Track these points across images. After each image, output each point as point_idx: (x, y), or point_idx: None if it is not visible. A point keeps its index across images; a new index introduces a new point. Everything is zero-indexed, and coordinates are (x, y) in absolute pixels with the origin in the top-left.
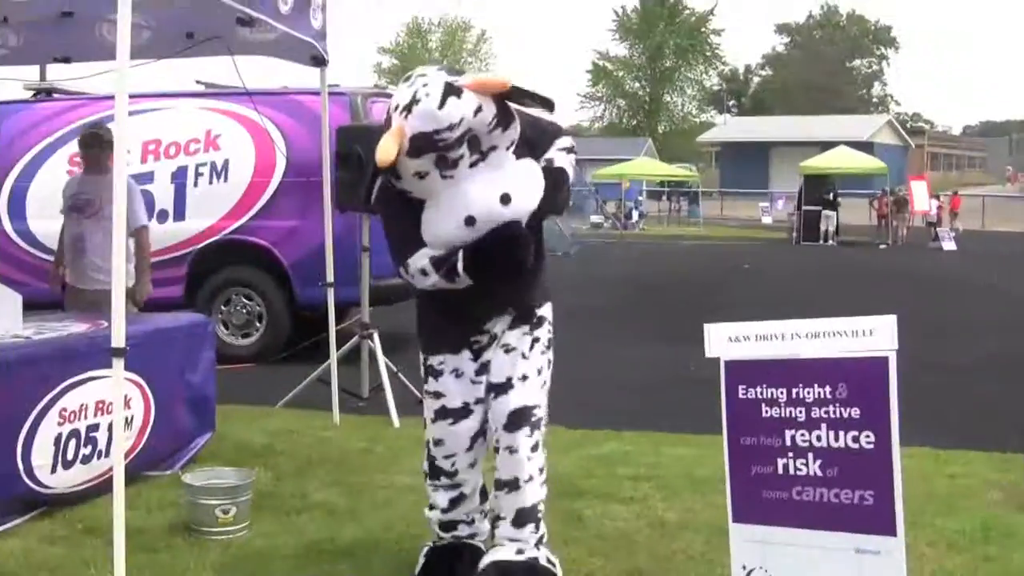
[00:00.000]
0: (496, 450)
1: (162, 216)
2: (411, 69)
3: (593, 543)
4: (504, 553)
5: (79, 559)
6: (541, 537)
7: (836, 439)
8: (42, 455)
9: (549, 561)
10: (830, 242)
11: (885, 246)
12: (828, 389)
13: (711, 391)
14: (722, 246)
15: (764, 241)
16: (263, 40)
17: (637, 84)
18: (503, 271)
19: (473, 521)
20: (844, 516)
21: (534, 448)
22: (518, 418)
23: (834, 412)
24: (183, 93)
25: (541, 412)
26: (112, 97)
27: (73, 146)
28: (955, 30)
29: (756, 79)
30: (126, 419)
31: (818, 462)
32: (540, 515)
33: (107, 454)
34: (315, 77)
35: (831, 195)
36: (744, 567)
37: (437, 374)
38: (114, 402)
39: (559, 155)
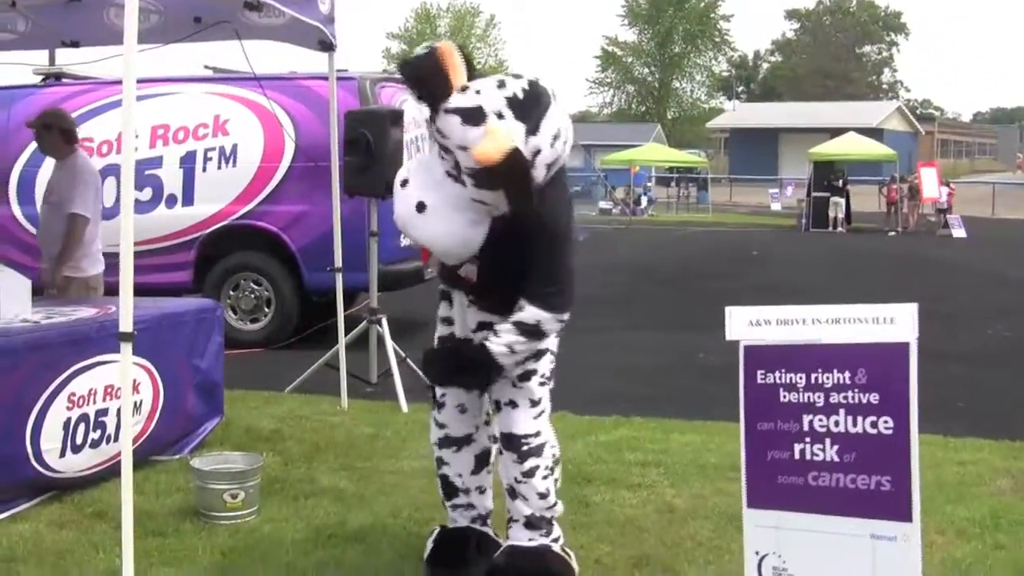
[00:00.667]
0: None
1: (171, 201)
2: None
3: (601, 529)
4: (516, 537)
5: (88, 543)
6: (556, 538)
7: (854, 424)
8: (51, 439)
9: (564, 551)
10: (839, 229)
11: (894, 233)
12: (848, 374)
13: (720, 377)
14: (731, 233)
15: (773, 228)
16: (271, 25)
17: (646, 70)
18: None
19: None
20: (860, 502)
21: (527, 474)
22: (507, 442)
23: (853, 397)
24: (192, 78)
25: (537, 440)
26: (120, 82)
27: (82, 131)
28: (965, 17)
29: (765, 65)
30: (135, 404)
31: (835, 447)
32: (552, 520)
33: (116, 438)
34: (323, 62)
35: (840, 181)
36: (757, 552)
37: (440, 406)
38: (122, 387)
39: (505, 329)
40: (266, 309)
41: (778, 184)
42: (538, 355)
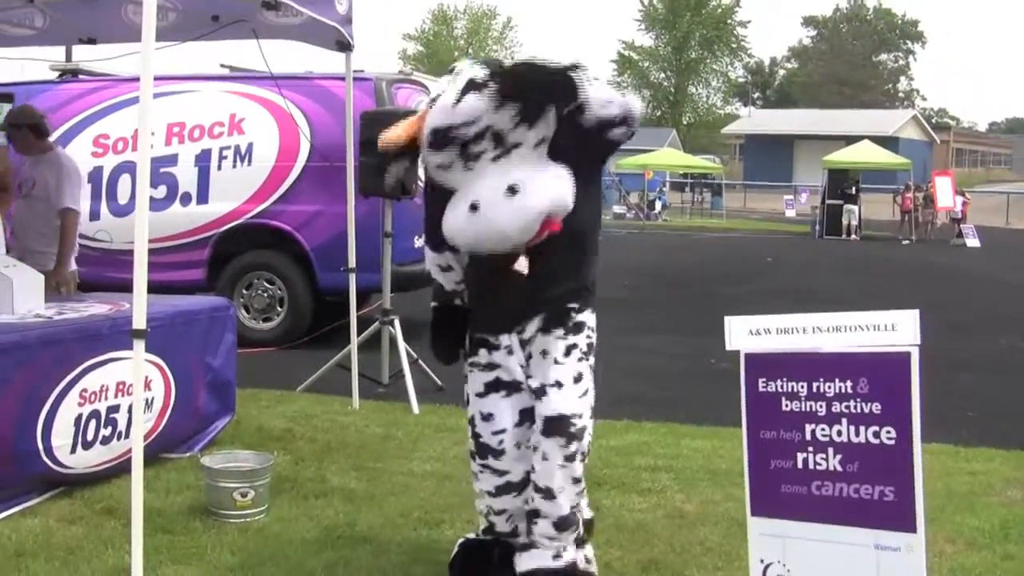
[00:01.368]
0: (535, 450)
1: (185, 199)
2: (436, 56)
3: (611, 533)
4: (542, 558)
5: (97, 539)
6: (580, 537)
7: (857, 434)
8: (62, 435)
9: (587, 560)
10: (853, 236)
11: (908, 241)
12: (849, 384)
13: (732, 383)
14: (745, 239)
15: (787, 235)
16: (288, 24)
17: (662, 75)
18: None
19: (512, 517)
20: (864, 512)
21: (569, 458)
22: (554, 426)
23: (855, 407)
24: (208, 76)
25: (581, 422)
26: (137, 79)
27: (98, 127)
28: (983, 26)
29: (781, 72)
30: (146, 401)
31: (838, 457)
32: (579, 516)
33: (127, 435)
34: (340, 62)
35: (853, 189)
36: (762, 561)
37: (492, 347)
38: (134, 383)
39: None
40: (279, 308)
41: (792, 191)
42: (577, 328)
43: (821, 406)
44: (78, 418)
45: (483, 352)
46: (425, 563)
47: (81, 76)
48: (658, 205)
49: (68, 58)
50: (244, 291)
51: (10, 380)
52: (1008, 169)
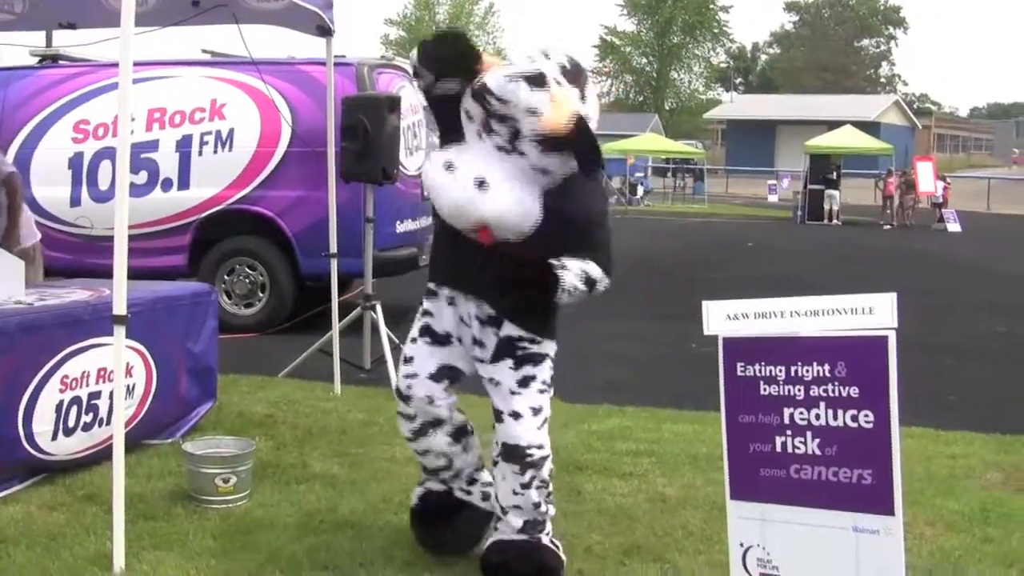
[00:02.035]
0: (494, 465)
1: (166, 185)
2: (419, 41)
3: (592, 518)
4: (504, 533)
5: (79, 526)
6: (547, 531)
7: (835, 418)
8: (43, 422)
9: (553, 543)
10: (835, 221)
11: (890, 227)
12: (827, 367)
13: (713, 368)
14: (726, 224)
15: (769, 220)
16: (269, 9)
17: (644, 60)
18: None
19: (451, 463)
20: (842, 495)
21: (524, 486)
22: (509, 454)
23: (833, 391)
24: (189, 61)
25: (540, 452)
26: (117, 64)
27: (78, 113)
28: (964, 12)
29: (763, 57)
30: (127, 387)
31: (816, 440)
32: (544, 518)
33: (108, 422)
34: (321, 47)
35: (834, 174)
36: (741, 544)
37: (433, 295)
38: (115, 370)
39: (573, 271)
40: (260, 294)
41: (775, 176)
42: (537, 360)
43: (799, 390)
44: (59, 404)
45: (426, 300)
46: (406, 547)
47: (61, 61)
48: (640, 190)
49: (48, 43)
50: (226, 277)
51: None
52: (989, 154)
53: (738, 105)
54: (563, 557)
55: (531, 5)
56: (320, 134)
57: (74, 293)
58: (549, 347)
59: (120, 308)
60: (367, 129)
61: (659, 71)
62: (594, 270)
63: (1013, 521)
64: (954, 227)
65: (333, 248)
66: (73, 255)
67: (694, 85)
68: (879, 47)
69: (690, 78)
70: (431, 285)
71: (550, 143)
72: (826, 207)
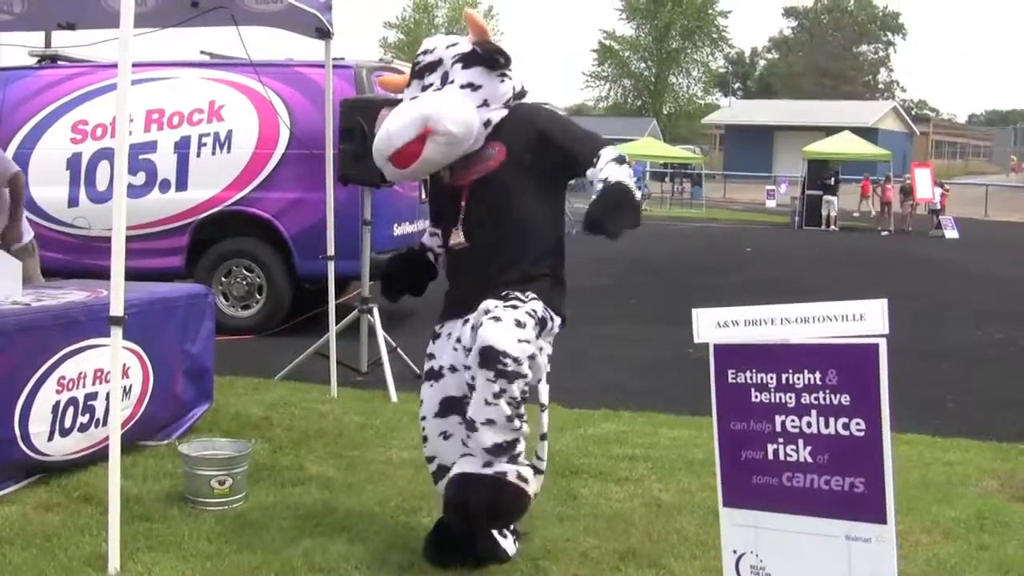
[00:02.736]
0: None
1: (164, 186)
2: (417, 44)
3: (588, 522)
4: (472, 464)
5: (75, 526)
6: (517, 455)
7: (826, 426)
8: (39, 422)
9: (520, 477)
10: (832, 227)
11: (887, 232)
12: (818, 375)
13: (709, 373)
14: (724, 229)
15: (766, 225)
16: (268, 11)
17: (643, 64)
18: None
19: None
20: (834, 503)
21: (496, 395)
22: (484, 356)
23: (824, 398)
24: (187, 63)
25: (514, 366)
26: (115, 65)
27: (77, 113)
28: (963, 18)
29: (762, 62)
30: (124, 388)
31: (808, 448)
32: (516, 436)
33: (104, 422)
34: (320, 50)
35: (832, 180)
36: (735, 551)
37: (436, 337)
38: (112, 371)
39: (612, 168)
40: (258, 296)
41: (773, 181)
42: (525, 300)
43: (790, 397)
44: (56, 405)
45: (430, 342)
46: (402, 550)
47: (60, 62)
48: (638, 195)
49: (47, 44)
50: (223, 278)
51: None
52: (987, 161)
53: (736, 110)
54: (531, 491)
55: (531, 8)
56: (318, 136)
57: (71, 294)
58: (538, 305)
59: (117, 309)
60: (365, 131)
61: (657, 76)
62: (608, 152)
63: (1009, 529)
64: (952, 234)
65: (331, 250)
66: (70, 255)
67: (692, 90)
68: (877, 53)
69: (688, 83)
70: (436, 328)
71: (469, 57)
72: (824, 213)
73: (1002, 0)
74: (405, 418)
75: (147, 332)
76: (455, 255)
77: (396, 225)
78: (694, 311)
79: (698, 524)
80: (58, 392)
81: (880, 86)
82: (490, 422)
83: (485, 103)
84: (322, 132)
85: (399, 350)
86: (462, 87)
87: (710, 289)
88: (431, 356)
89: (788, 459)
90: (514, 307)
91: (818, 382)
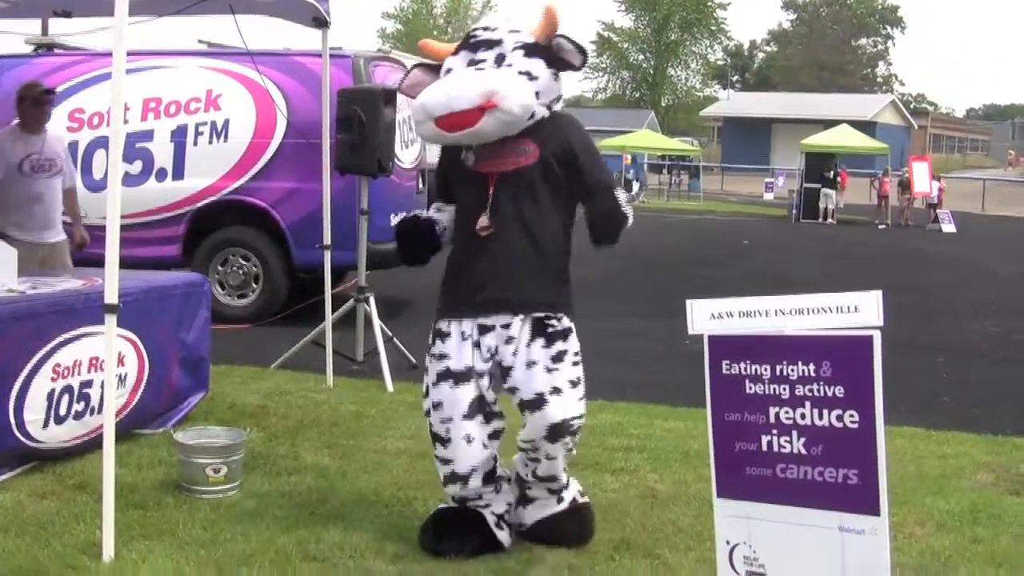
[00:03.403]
0: (528, 451)
1: (161, 175)
2: (416, 35)
3: None
4: (548, 507)
5: (69, 514)
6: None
7: (820, 417)
8: (35, 410)
9: (581, 493)
10: (830, 220)
11: (884, 226)
12: (812, 367)
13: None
14: (722, 221)
15: (764, 218)
16: (265, 0)
17: (641, 56)
18: None
19: (481, 496)
20: (828, 494)
21: (569, 451)
22: (558, 431)
23: (818, 390)
24: (185, 52)
25: (579, 422)
26: (112, 53)
27: (74, 101)
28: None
29: (761, 55)
30: (119, 376)
31: (802, 440)
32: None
33: (99, 410)
34: (318, 39)
35: (832, 173)
36: (728, 542)
37: (444, 336)
38: (106, 358)
39: (622, 196)
40: (254, 285)
41: (771, 174)
42: (565, 335)
43: (784, 389)
44: (51, 393)
45: (438, 343)
46: (397, 540)
47: (57, 50)
48: (635, 186)
49: (44, 32)
50: (220, 267)
51: None
52: (985, 155)
53: (735, 103)
54: (588, 500)
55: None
56: (316, 126)
57: (66, 282)
58: (570, 321)
59: (112, 297)
60: (362, 121)
61: (656, 68)
62: (616, 192)
63: (1003, 522)
64: (949, 227)
65: (327, 239)
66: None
67: (691, 82)
68: (876, 47)
69: (687, 75)
70: (441, 326)
71: (532, 48)
72: (822, 206)
73: None
74: (401, 407)
75: (143, 320)
76: (476, 240)
77: (393, 215)
78: (688, 302)
79: (693, 515)
80: (53, 380)
81: (878, 79)
82: (553, 478)
83: (537, 95)
84: (319, 121)
85: (395, 340)
86: (520, 73)
87: (706, 281)
88: (444, 356)
89: (782, 450)
90: (560, 357)
91: (812, 374)
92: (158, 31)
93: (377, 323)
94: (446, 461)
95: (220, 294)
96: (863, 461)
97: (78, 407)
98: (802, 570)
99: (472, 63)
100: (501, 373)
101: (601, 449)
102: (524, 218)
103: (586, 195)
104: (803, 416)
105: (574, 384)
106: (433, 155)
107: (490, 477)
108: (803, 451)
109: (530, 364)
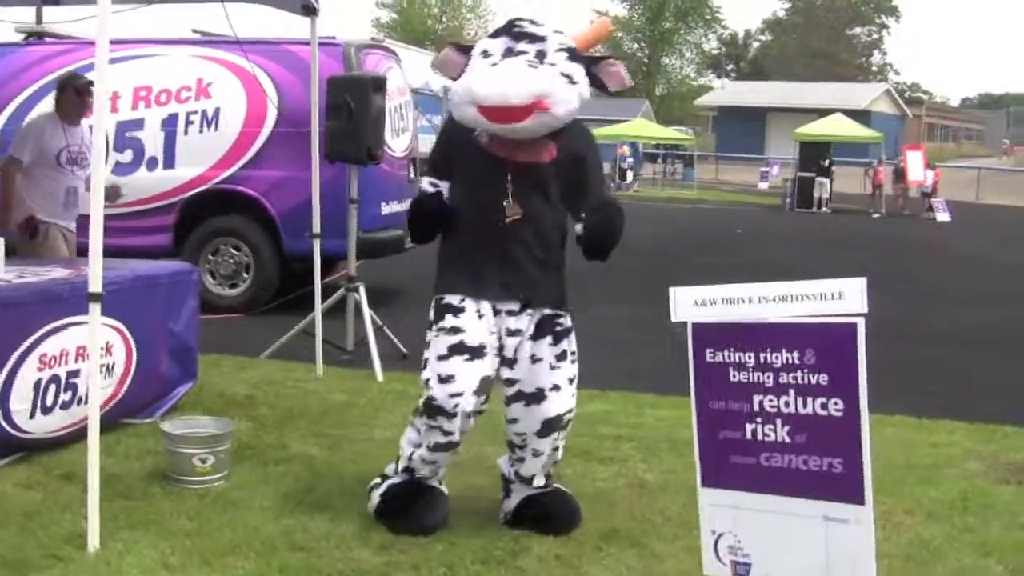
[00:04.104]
0: (515, 446)
1: (152, 164)
2: (409, 24)
3: None
4: (529, 489)
5: (55, 504)
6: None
7: (804, 405)
8: (21, 400)
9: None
10: (824, 209)
11: (879, 215)
12: (796, 354)
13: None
14: (715, 210)
15: (758, 207)
16: None
17: (636, 45)
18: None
19: (437, 469)
20: (812, 483)
21: (555, 449)
22: (551, 426)
23: (802, 378)
24: (175, 40)
25: (570, 415)
26: None
27: None
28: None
29: (755, 44)
30: (106, 366)
31: (786, 428)
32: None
33: (87, 400)
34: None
35: (826, 162)
36: (713, 532)
37: (457, 311)
38: (90, 347)
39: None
40: (245, 274)
41: (766, 163)
42: (567, 334)
43: (768, 377)
44: (37, 383)
45: (449, 317)
46: (382, 530)
47: (47, 39)
48: (629, 175)
49: (39, 21)
50: (211, 257)
51: None
52: (979, 144)
53: (729, 92)
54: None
55: None
56: (306, 114)
57: (53, 271)
58: (571, 320)
59: (96, 286)
60: (352, 109)
61: (650, 57)
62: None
63: (993, 510)
64: (943, 216)
65: (316, 228)
66: None
67: (685, 71)
68: (871, 36)
69: (681, 64)
70: (453, 300)
71: (574, 53)
72: (816, 195)
73: None
74: (390, 397)
75: (130, 310)
76: (490, 224)
77: (384, 204)
78: (671, 289)
79: (681, 504)
80: (40, 370)
81: (873, 69)
82: (543, 469)
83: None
84: (309, 110)
85: (385, 329)
86: (563, 75)
87: (697, 270)
88: (458, 330)
89: (766, 439)
90: (564, 356)
91: (796, 361)
92: (151, 20)
93: (367, 312)
94: (447, 432)
95: (211, 284)
96: (848, 449)
97: (65, 397)
98: (787, 559)
99: (511, 52)
100: (500, 362)
101: (591, 438)
102: (537, 211)
103: (589, 211)
104: (787, 404)
105: (571, 381)
106: (425, 144)
107: None
108: (787, 439)
109: (535, 360)
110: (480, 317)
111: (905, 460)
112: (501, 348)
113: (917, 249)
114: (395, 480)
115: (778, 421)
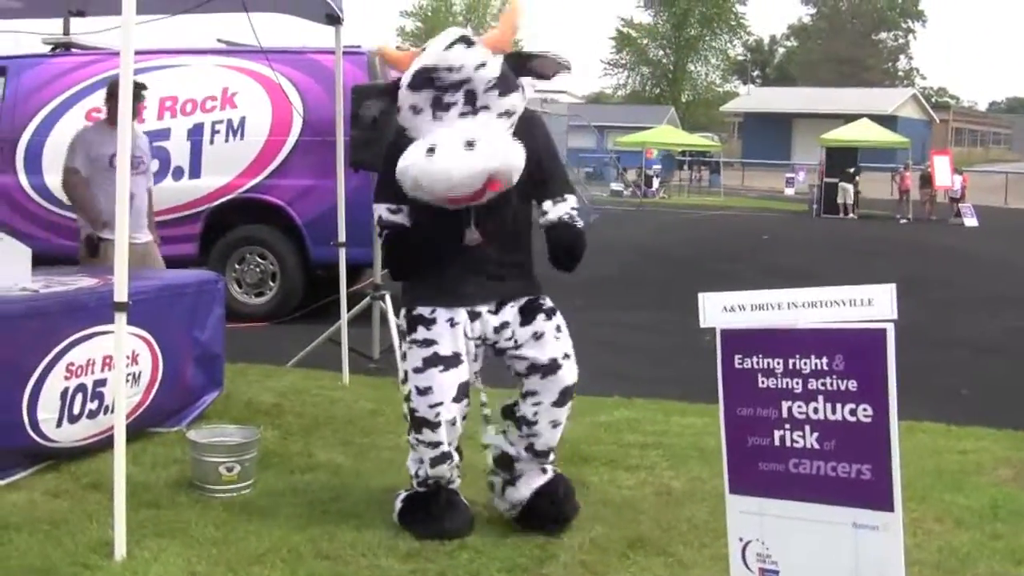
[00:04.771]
0: (528, 423)
1: (177, 173)
2: (434, 32)
3: (597, 509)
4: (538, 479)
5: (82, 513)
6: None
7: (833, 412)
8: (48, 409)
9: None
10: (851, 215)
11: (906, 220)
12: (825, 360)
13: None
14: (742, 217)
15: (784, 213)
16: None
17: (661, 52)
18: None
19: (449, 480)
20: (841, 490)
21: (568, 417)
22: (568, 394)
23: (831, 384)
24: (201, 50)
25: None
26: None
27: (90, 101)
28: (983, 5)
29: (781, 50)
30: (133, 375)
31: (815, 435)
32: None
33: (113, 409)
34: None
35: (852, 169)
36: (741, 539)
37: (428, 322)
38: (116, 356)
39: (573, 214)
40: (271, 283)
41: (792, 169)
42: (555, 311)
43: (797, 383)
44: (64, 392)
45: (421, 329)
46: (409, 538)
47: (74, 50)
48: (655, 181)
49: (66, 31)
50: (236, 265)
51: None
52: (1007, 149)
53: (755, 98)
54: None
55: None
56: (331, 123)
57: (80, 280)
58: (549, 300)
59: (122, 295)
60: (376, 118)
61: (676, 63)
62: (571, 201)
63: (1023, 517)
64: (971, 221)
65: (342, 237)
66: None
67: (711, 77)
68: (897, 40)
69: (707, 70)
70: (424, 312)
71: (504, 82)
72: (839, 200)
73: None
74: None
75: (156, 318)
76: (456, 246)
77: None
78: (700, 295)
79: (708, 512)
80: (67, 379)
81: (899, 73)
82: (558, 437)
83: (510, 113)
84: (334, 118)
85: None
86: (500, 115)
87: (725, 276)
88: (431, 342)
89: (795, 445)
90: (560, 328)
91: (825, 367)
92: (177, 30)
93: (393, 320)
94: (435, 444)
95: (237, 292)
96: (877, 456)
97: (92, 406)
98: (815, 567)
99: (440, 104)
100: (495, 354)
101: (616, 446)
102: (502, 221)
103: (548, 199)
104: (816, 410)
105: (571, 354)
106: None
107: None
108: (816, 446)
109: (537, 336)
110: (453, 325)
111: (934, 467)
112: (493, 344)
113: (945, 254)
114: (406, 494)
115: (807, 427)
